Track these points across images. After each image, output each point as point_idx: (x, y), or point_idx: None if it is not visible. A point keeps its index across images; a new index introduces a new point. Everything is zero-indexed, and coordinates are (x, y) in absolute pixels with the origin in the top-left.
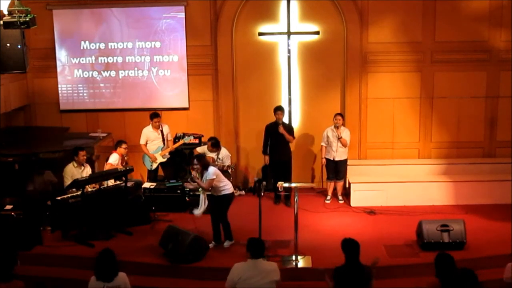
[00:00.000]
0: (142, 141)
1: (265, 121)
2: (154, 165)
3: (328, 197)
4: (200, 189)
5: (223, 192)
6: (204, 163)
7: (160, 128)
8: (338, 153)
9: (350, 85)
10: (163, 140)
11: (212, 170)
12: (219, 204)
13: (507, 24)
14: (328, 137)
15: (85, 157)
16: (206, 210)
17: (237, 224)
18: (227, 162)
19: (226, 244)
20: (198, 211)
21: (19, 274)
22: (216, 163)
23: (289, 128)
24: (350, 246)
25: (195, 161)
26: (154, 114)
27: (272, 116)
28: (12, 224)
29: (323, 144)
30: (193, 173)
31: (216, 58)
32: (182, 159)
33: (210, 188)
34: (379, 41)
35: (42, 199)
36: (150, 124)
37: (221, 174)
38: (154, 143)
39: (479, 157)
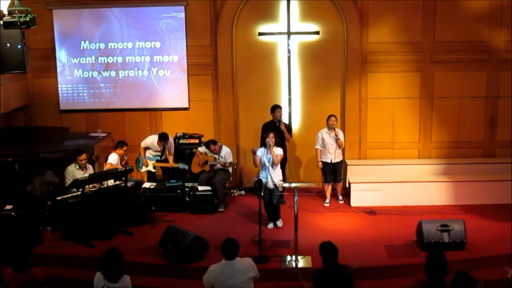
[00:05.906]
0: (143, 145)
1: (265, 121)
2: (144, 169)
3: (327, 200)
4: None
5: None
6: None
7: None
8: (336, 155)
9: (350, 85)
10: (162, 154)
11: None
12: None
13: (507, 24)
14: (323, 139)
15: (84, 162)
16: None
17: (237, 224)
18: (229, 159)
19: (280, 223)
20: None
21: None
22: (218, 161)
23: (287, 126)
24: (327, 249)
25: (272, 135)
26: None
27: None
28: (12, 224)
29: (318, 147)
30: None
31: (216, 58)
32: (182, 159)
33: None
34: (379, 41)
35: (42, 199)
36: (155, 140)
37: None
38: (153, 154)
39: (479, 157)
